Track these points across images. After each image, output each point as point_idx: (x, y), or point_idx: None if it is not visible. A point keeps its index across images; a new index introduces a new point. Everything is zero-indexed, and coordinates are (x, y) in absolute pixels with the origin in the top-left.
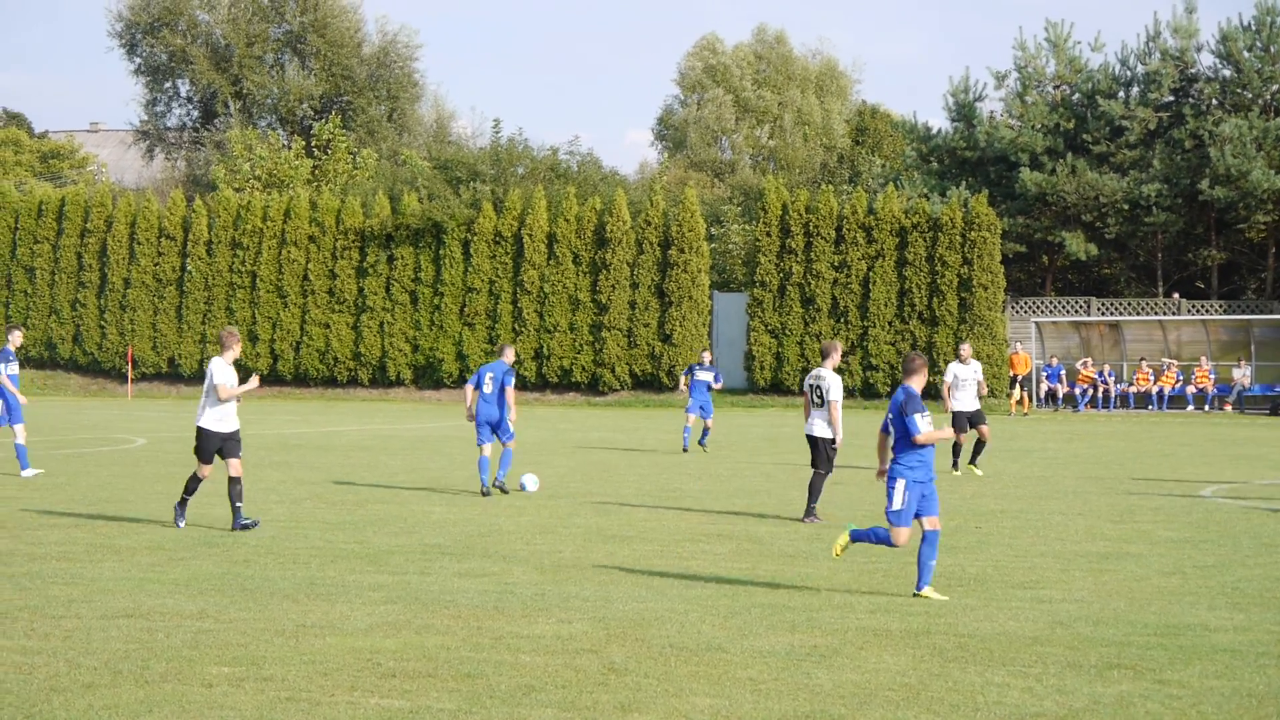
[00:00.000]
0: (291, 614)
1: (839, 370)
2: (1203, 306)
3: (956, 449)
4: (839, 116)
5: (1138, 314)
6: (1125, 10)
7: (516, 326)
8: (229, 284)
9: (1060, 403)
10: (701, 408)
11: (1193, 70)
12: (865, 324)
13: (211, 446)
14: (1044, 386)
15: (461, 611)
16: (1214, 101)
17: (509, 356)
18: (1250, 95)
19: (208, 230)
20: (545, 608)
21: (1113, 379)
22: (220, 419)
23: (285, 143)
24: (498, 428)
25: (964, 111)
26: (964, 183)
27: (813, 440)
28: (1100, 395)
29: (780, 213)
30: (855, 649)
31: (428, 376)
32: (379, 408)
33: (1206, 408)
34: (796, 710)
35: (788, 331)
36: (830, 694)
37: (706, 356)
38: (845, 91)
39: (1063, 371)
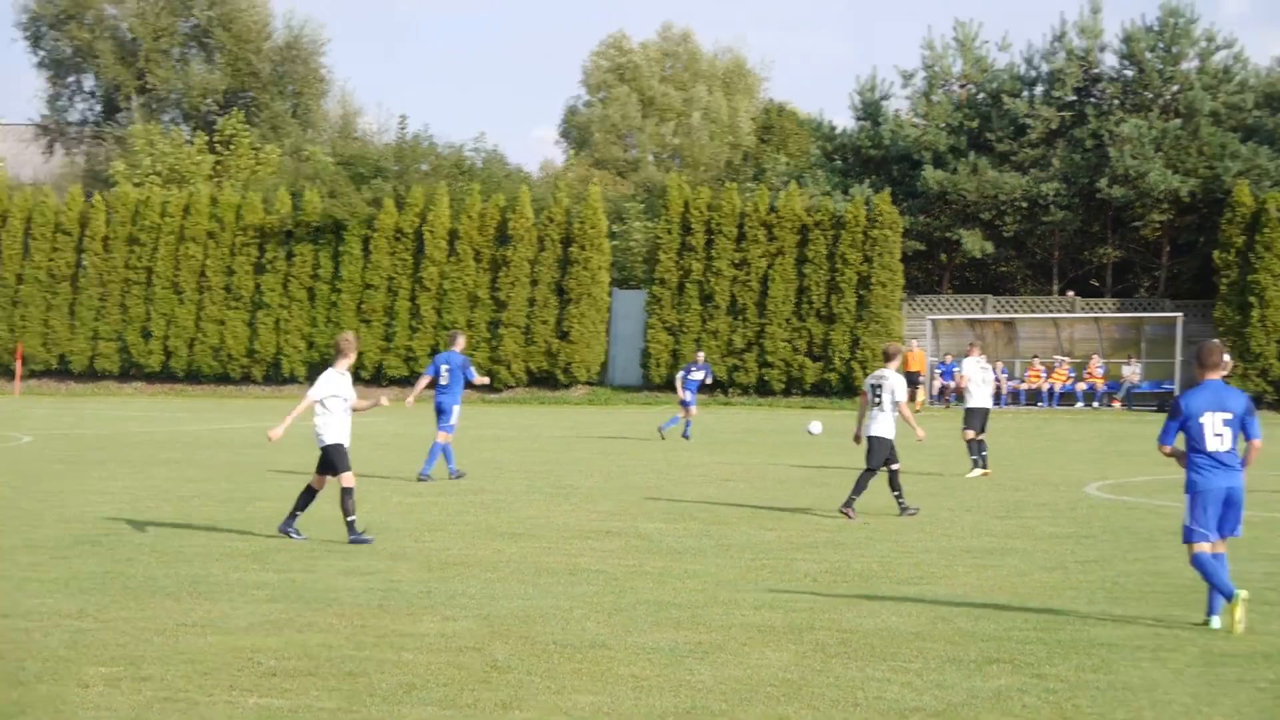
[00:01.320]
0: (173, 613)
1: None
2: (1096, 304)
3: (972, 448)
4: (746, 114)
5: (1033, 311)
6: (1034, 11)
7: (413, 324)
8: (125, 280)
9: (953, 400)
10: (688, 403)
11: (1096, 70)
12: (762, 321)
13: (346, 457)
14: (937, 383)
15: (345, 610)
16: (1116, 101)
17: (460, 344)
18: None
19: (105, 226)
20: (430, 605)
21: (1005, 376)
22: (347, 430)
23: (188, 138)
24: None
25: (870, 110)
26: (867, 181)
27: (872, 440)
28: (993, 392)
29: (682, 210)
30: (739, 645)
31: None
32: (272, 405)
33: (1096, 404)
34: (677, 706)
35: (685, 329)
36: (712, 690)
37: (700, 356)
38: (753, 89)
39: (956, 369)
